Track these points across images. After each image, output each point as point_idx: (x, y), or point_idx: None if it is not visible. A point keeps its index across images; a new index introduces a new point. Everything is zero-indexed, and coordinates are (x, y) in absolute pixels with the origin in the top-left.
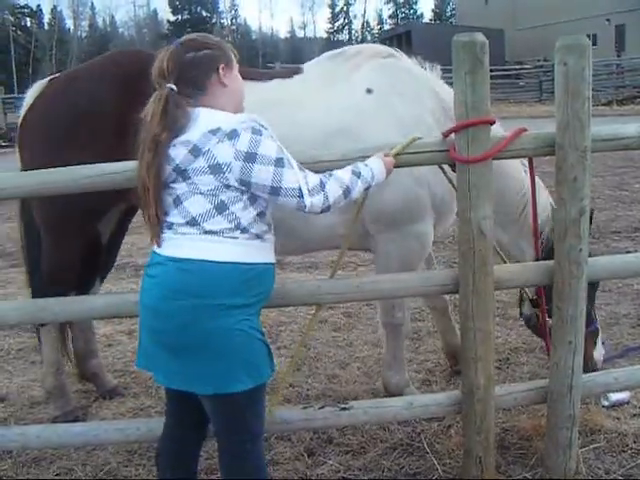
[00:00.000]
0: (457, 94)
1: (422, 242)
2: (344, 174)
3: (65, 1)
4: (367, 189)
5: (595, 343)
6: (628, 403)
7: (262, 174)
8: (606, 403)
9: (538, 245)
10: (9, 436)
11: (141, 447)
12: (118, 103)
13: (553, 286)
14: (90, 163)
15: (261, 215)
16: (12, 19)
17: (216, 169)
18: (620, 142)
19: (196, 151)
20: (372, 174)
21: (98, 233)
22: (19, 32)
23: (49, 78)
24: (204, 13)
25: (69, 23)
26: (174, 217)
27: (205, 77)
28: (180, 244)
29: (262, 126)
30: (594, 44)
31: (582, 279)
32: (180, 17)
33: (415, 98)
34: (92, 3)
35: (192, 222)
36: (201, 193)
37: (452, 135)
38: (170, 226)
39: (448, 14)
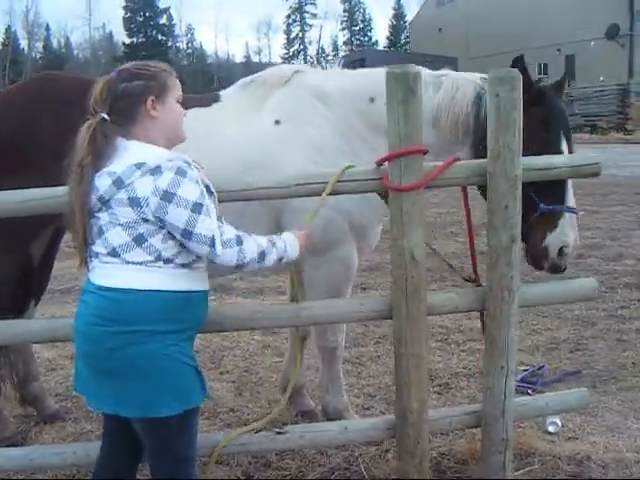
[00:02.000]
0: (390, 124)
1: (345, 266)
2: (261, 239)
3: (19, 21)
4: (280, 260)
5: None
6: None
7: (176, 215)
8: (551, 429)
9: (477, 269)
10: None
11: (80, 472)
12: (44, 131)
13: (486, 311)
14: (21, 188)
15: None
16: None
17: (134, 202)
18: (551, 172)
19: (119, 183)
20: (285, 247)
21: (29, 255)
22: None
23: None
24: (160, 36)
25: (23, 43)
26: (98, 246)
27: (134, 108)
28: (106, 273)
29: (189, 167)
30: (545, 73)
31: (513, 305)
32: (136, 40)
33: (324, 122)
34: (47, 24)
35: (113, 253)
36: (120, 225)
37: (385, 163)
38: (96, 255)
39: (402, 41)
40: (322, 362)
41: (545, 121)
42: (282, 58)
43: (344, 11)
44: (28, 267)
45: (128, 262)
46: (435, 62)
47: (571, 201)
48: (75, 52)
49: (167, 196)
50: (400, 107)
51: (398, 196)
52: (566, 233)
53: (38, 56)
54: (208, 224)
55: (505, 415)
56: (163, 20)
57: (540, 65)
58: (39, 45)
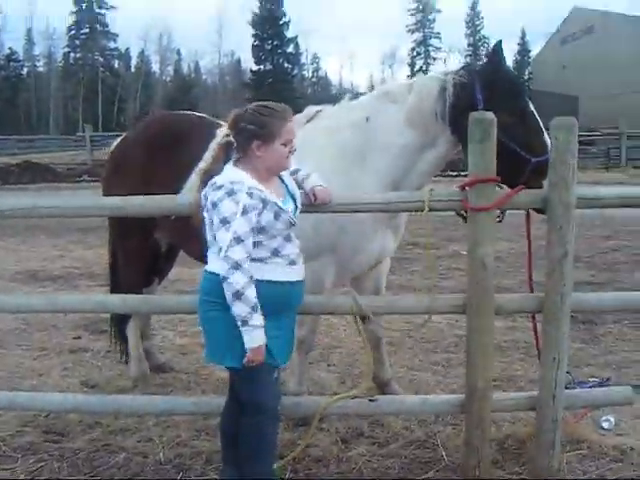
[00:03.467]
0: (471, 157)
1: (316, 277)
2: (252, 292)
3: (153, 46)
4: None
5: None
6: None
7: (214, 221)
8: (606, 425)
9: (532, 282)
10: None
11: (206, 426)
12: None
13: (543, 312)
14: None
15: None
16: (102, 60)
17: (207, 209)
18: (600, 201)
19: (206, 194)
20: (241, 320)
21: (157, 240)
22: (108, 73)
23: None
24: (286, 64)
25: (155, 67)
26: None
27: (245, 145)
28: (208, 260)
29: (240, 191)
30: None
31: (565, 308)
32: (263, 67)
33: (323, 151)
34: (178, 49)
35: (209, 244)
36: (206, 224)
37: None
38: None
39: (525, 77)
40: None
41: (516, 95)
42: None
43: (468, 45)
44: (156, 250)
45: (212, 253)
46: (555, 99)
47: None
48: (204, 77)
49: (214, 206)
50: (478, 145)
51: (475, 215)
52: None
53: (168, 79)
54: (224, 235)
55: (555, 400)
56: (290, 49)
57: None
58: (170, 69)
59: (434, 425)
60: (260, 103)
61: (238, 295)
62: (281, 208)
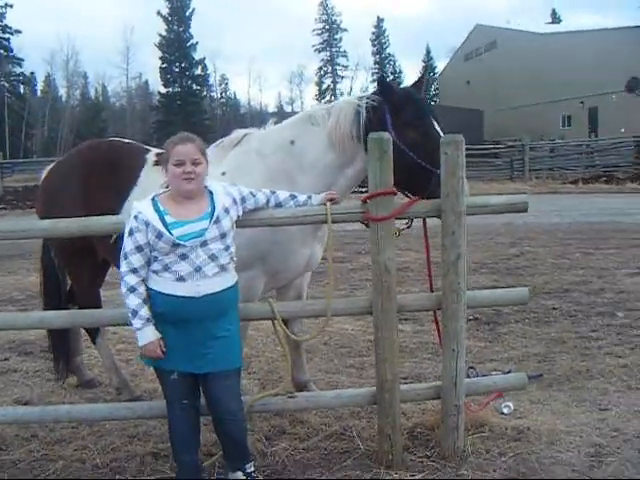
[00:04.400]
0: (370, 173)
1: (248, 285)
2: (130, 300)
3: (59, 70)
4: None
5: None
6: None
7: None
8: (506, 411)
9: (432, 282)
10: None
11: (138, 432)
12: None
13: (441, 309)
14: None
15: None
16: (7, 85)
17: None
18: (488, 208)
19: None
20: (130, 315)
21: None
22: (13, 98)
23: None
24: (195, 86)
25: (62, 91)
26: None
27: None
28: None
29: (131, 215)
30: (569, 125)
31: (461, 304)
32: (171, 89)
33: (256, 171)
34: (85, 73)
35: None
36: None
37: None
38: None
39: (431, 94)
40: None
41: (419, 114)
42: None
43: (375, 63)
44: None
45: None
46: (461, 114)
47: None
48: (112, 100)
49: None
50: (377, 162)
51: (375, 224)
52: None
53: (76, 104)
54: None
55: (457, 387)
56: (198, 71)
57: (564, 117)
58: (77, 93)
59: (350, 419)
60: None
61: (124, 296)
62: (161, 231)
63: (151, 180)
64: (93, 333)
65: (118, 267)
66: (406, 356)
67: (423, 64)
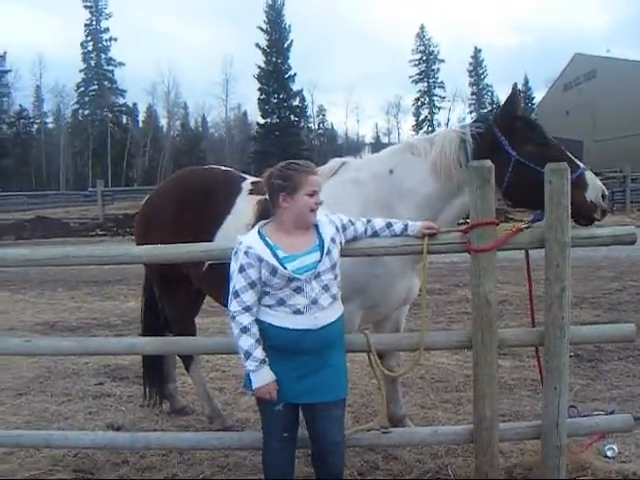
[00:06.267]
0: (471, 202)
1: (345, 319)
2: (243, 341)
3: (160, 101)
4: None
5: (586, 186)
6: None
7: None
8: (610, 454)
9: (534, 315)
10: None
11: (228, 463)
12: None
13: (544, 345)
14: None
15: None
16: (110, 116)
17: None
18: (595, 240)
19: None
20: (243, 355)
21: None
22: (116, 129)
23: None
24: (292, 117)
25: (163, 122)
26: None
27: (274, 198)
28: None
29: (239, 250)
30: None
31: (564, 340)
32: (269, 120)
33: (351, 201)
34: (185, 103)
35: None
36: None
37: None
38: None
39: None
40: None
41: (532, 126)
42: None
43: (472, 94)
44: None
45: None
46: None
47: (581, 163)
48: (211, 131)
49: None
50: (478, 191)
51: (477, 255)
52: (597, 183)
53: (176, 134)
54: (234, 280)
55: (559, 427)
56: (296, 102)
57: None
58: (177, 124)
59: (445, 457)
60: (287, 161)
61: (236, 337)
62: (276, 267)
63: (246, 208)
64: (187, 360)
65: (211, 295)
66: (504, 392)
67: (522, 94)
